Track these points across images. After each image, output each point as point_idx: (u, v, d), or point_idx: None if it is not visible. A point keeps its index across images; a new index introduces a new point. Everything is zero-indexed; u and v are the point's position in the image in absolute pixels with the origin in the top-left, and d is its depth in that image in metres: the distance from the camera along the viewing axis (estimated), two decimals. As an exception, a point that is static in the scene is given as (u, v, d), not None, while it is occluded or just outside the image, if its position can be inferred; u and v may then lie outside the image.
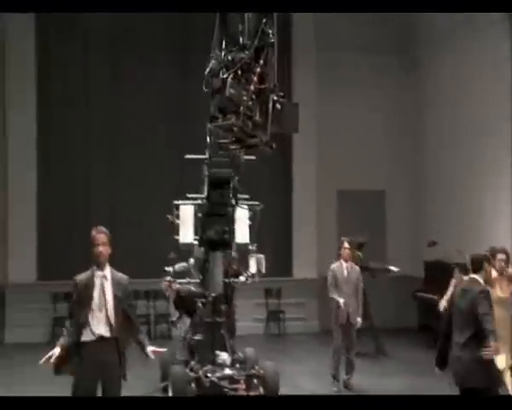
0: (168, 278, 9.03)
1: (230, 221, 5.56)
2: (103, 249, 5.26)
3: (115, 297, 5.25)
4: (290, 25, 13.68)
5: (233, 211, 5.57)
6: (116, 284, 5.30)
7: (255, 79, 3.51)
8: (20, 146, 12.54)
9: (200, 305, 8.64)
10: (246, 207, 6.02)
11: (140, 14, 12.49)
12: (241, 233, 6.37)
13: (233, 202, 5.41)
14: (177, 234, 6.90)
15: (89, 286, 5.23)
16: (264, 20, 3.57)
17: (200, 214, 5.97)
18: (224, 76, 3.40)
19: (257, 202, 5.56)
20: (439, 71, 13.17)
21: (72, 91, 13.00)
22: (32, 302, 12.26)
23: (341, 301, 8.52)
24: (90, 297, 5.20)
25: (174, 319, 9.31)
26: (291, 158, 13.78)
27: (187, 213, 6.00)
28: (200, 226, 6.06)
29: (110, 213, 12.62)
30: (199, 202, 5.45)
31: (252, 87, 3.47)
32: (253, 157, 5.29)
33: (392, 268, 11.43)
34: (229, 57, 3.45)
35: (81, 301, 5.23)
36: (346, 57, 13.73)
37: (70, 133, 13.01)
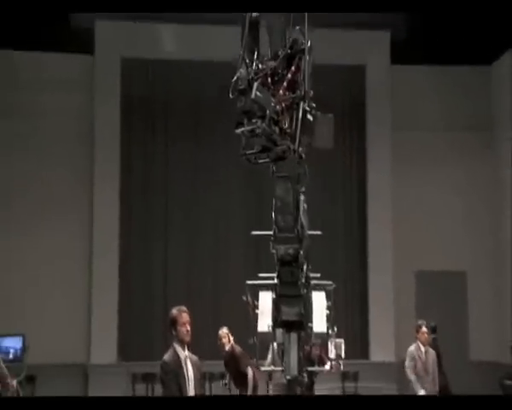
0: (226, 328, 8.80)
1: (304, 301, 5.41)
2: (190, 329, 5.29)
3: (195, 378, 5.26)
4: (366, 103, 13.81)
5: (307, 291, 5.43)
6: (194, 364, 5.31)
7: (285, 84, 3.35)
8: (103, 233, 12.93)
9: (250, 373, 8.29)
10: (323, 292, 5.84)
11: (220, 101, 12.86)
12: (319, 321, 6.14)
13: (303, 280, 5.21)
14: (253, 316, 6.77)
15: (180, 368, 5.22)
16: (297, 27, 3.49)
17: (273, 295, 5.87)
18: (250, 77, 3.21)
19: (329, 282, 5.38)
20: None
21: (152, 180, 13.44)
22: (113, 383, 12.36)
23: (423, 392, 8.27)
24: (184, 379, 5.18)
25: (226, 380, 9.06)
26: (366, 236, 13.62)
27: (266, 301, 5.90)
28: (274, 308, 5.97)
29: (187, 296, 12.75)
30: (271, 281, 5.35)
31: (280, 92, 3.31)
32: (318, 232, 5.17)
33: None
34: (260, 66, 3.29)
35: (176, 383, 5.19)
36: (422, 135, 13.67)
37: (149, 219, 13.35)
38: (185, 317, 5.30)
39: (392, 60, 13.62)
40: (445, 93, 13.78)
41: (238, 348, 8.65)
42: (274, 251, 4.66)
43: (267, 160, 3.51)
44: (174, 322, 5.29)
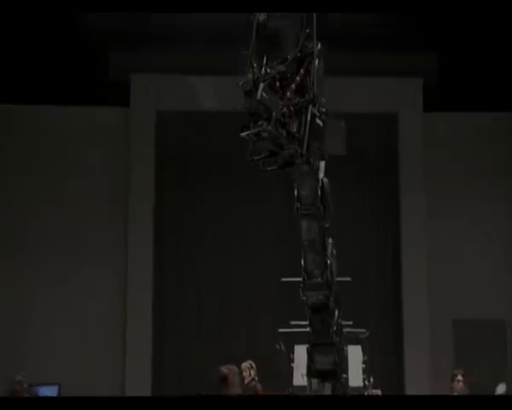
0: (249, 361, 8.60)
1: (337, 349, 5.32)
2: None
3: None
4: (398, 151, 13.75)
5: (339, 339, 5.34)
6: None
7: (293, 86, 3.22)
8: (137, 281, 13.05)
9: None
10: (359, 346, 5.73)
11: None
12: (355, 375, 6.01)
13: (335, 328, 5.11)
14: (288, 368, 6.72)
15: None
16: (307, 31, 3.30)
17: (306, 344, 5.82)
18: (256, 77, 3.08)
19: (362, 330, 5.30)
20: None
21: (185, 231, 13.49)
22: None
23: None
24: None
25: None
26: (400, 284, 13.42)
27: (301, 354, 5.82)
28: (308, 356, 5.90)
29: (219, 341, 12.75)
30: (303, 329, 5.30)
31: (288, 95, 3.18)
32: (348, 278, 5.09)
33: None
34: (269, 70, 3.16)
35: None
36: (455, 182, 13.56)
37: (182, 268, 13.39)
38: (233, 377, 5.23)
39: (424, 107, 13.63)
40: (478, 139, 13.70)
41: (260, 387, 8.56)
42: (304, 298, 4.60)
43: (275, 167, 3.37)
44: (225, 380, 5.22)
